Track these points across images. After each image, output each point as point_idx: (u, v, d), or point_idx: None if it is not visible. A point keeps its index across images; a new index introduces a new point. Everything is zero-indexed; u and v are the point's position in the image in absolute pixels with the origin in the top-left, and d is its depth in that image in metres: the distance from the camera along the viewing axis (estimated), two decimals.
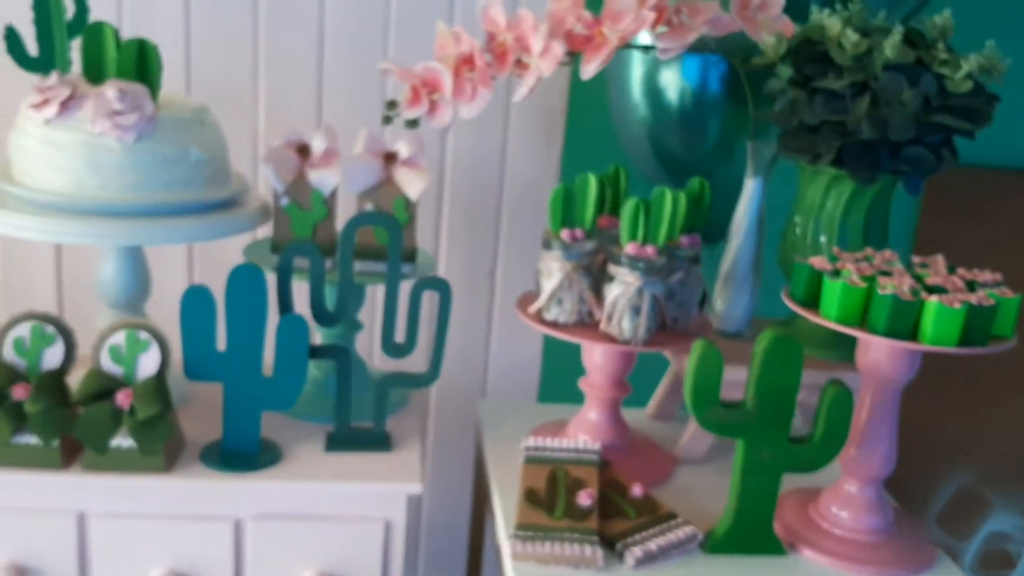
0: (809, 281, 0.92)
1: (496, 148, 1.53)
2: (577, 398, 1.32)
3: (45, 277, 1.45)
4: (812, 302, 0.92)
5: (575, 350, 1.39)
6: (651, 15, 0.99)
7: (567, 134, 1.55)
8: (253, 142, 1.44)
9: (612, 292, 0.96)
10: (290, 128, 1.06)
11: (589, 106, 1.52)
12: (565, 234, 0.99)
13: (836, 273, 0.90)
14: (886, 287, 0.85)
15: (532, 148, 1.54)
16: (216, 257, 1.48)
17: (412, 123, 1.08)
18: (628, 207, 0.96)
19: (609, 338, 0.98)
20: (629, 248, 0.96)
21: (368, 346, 1.52)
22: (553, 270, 0.99)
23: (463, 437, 1.64)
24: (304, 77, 1.43)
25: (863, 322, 0.88)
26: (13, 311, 1.42)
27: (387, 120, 1.09)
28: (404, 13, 1.43)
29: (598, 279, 1.01)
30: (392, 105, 1.08)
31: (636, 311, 0.96)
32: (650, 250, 0.95)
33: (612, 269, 0.97)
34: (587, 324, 1.00)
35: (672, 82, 1.25)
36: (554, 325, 1.01)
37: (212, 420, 1.02)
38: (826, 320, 0.89)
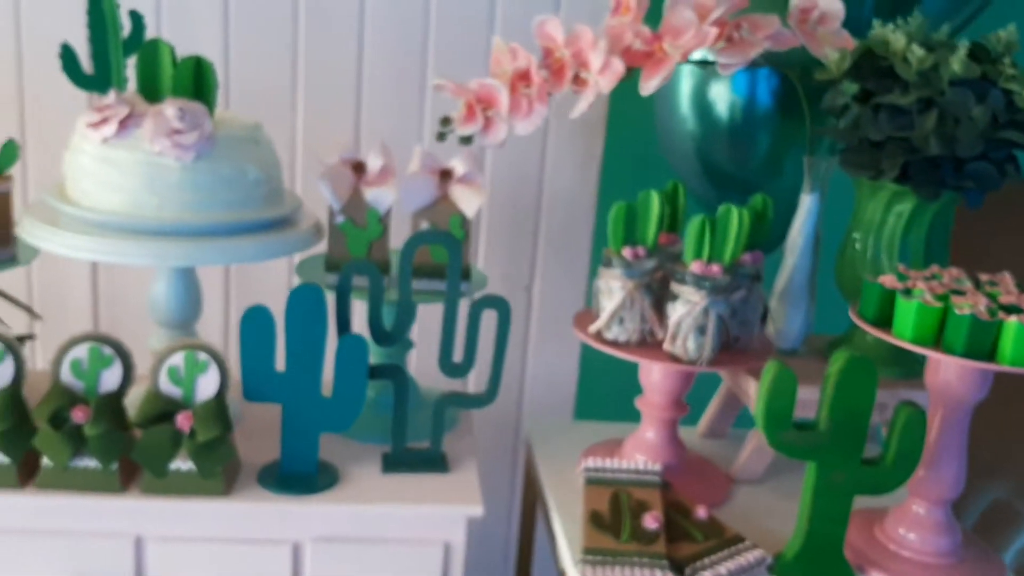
0: (880, 300, 0.91)
1: (535, 162, 1.52)
2: (615, 415, 1.30)
3: (81, 294, 1.43)
4: (883, 321, 0.91)
5: (612, 366, 1.37)
6: (713, 31, 0.98)
7: (606, 148, 1.54)
8: (291, 156, 1.43)
9: (676, 311, 0.95)
10: (344, 144, 1.04)
11: (628, 120, 1.51)
12: (627, 252, 0.97)
13: (908, 292, 0.88)
14: (962, 307, 0.84)
15: (571, 162, 1.53)
16: (254, 275, 1.47)
17: (466, 140, 1.07)
18: (694, 225, 0.94)
19: (673, 358, 0.96)
20: (694, 266, 0.94)
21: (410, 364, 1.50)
22: (614, 289, 0.97)
23: (501, 452, 1.62)
24: (343, 91, 1.42)
25: (938, 342, 0.87)
26: (48, 328, 1.42)
27: (441, 137, 1.08)
28: (443, 27, 1.42)
29: (658, 297, 1.00)
30: (446, 122, 1.07)
31: (701, 331, 0.94)
32: (716, 268, 0.94)
33: (675, 288, 0.96)
34: (647, 343, 0.99)
35: (722, 96, 1.24)
36: (614, 344, 0.99)
37: (264, 439, 1.01)
38: (901, 340, 0.87)
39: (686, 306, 0.94)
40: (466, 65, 1.45)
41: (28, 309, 1.13)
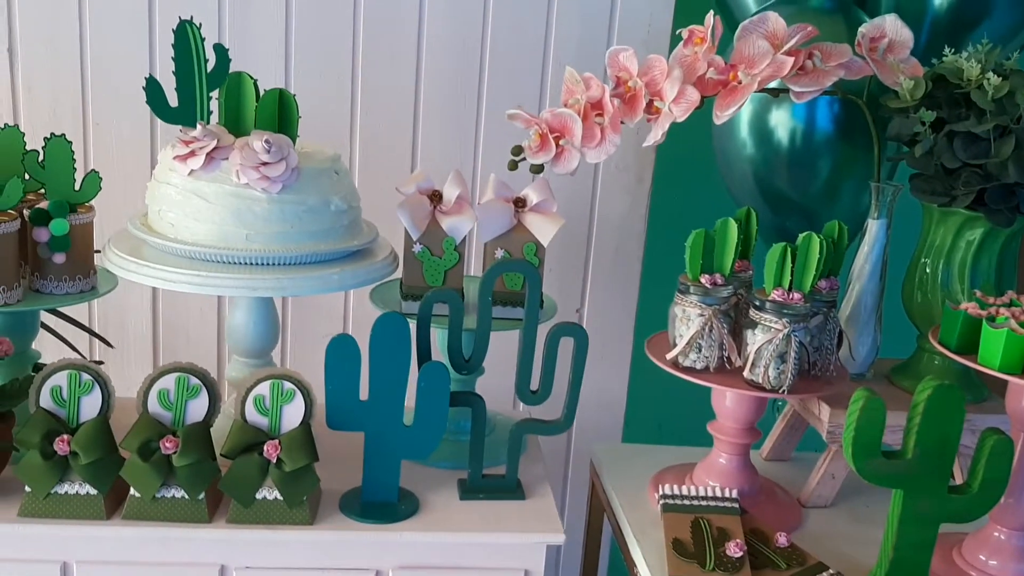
0: (964, 328, 0.91)
1: (586, 186, 1.53)
2: (665, 439, 1.29)
3: (141, 321, 1.44)
4: (966, 348, 0.91)
5: (661, 390, 1.36)
6: (789, 60, 0.99)
7: (656, 172, 1.55)
8: None
9: (756, 339, 0.95)
10: (420, 174, 1.06)
11: (679, 144, 1.52)
12: (705, 279, 0.98)
13: (992, 319, 0.89)
14: None
15: (622, 187, 1.54)
16: (307, 300, 1.48)
17: (538, 168, 1.08)
18: (774, 253, 0.95)
19: (752, 385, 0.97)
20: (775, 294, 0.95)
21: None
22: (692, 316, 0.98)
23: (553, 475, 1.62)
24: (399, 119, 1.43)
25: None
26: (108, 355, 1.43)
27: (513, 166, 1.09)
28: (498, 56, 1.44)
29: (734, 323, 1.00)
30: (518, 151, 1.08)
31: (782, 358, 0.95)
32: (796, 296, 0.94)
33: (755, 315, 0.96)
34: (725, 369, 0.99)
35: (782, 121, 1.25)
36: (691, 371, 1.00)
37: (337, 466, 1.01)
38: (988, 368, 0.87)
39: (767, 334, 0.94)
40: (520, 92, 1.47)
41: (102, 338, 1.14)
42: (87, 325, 1.13)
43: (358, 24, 1.40)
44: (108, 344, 1.17)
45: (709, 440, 1.09)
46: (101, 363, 1.14)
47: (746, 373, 0.97)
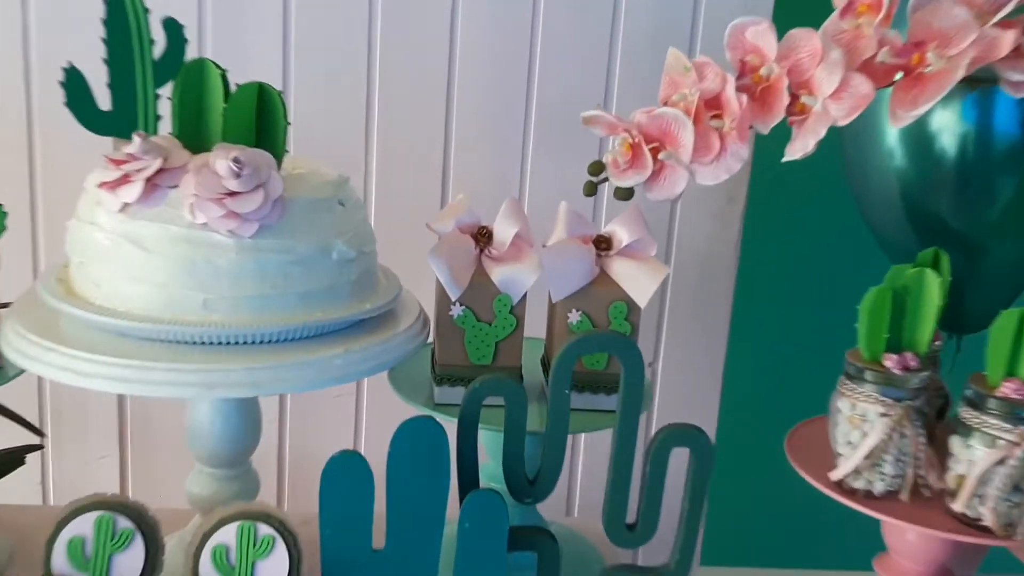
0: None
1: (662, 210, 1.23)
2: (755, 560, 0.96)
3: (104, 408, 1.15)
4: None
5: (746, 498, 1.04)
6: (1007, 36, 0.67)
7: (751, 191, 1.24)
8: None
9: (974, 454, 0.63)
10: (461, 205, 0.75)
11: (781, 154, 1.21)
12: (891, 361, 0.65)
13: None
14: None
15: (706, 209, 1.24)
16: None
17: (626, 193, 0.77)
18: (1007, 323, 0.62)
19: (968, 523, 0.64)
20: (1008, 388, 0.62)
21: None
22: (871, 415, 0.66)
23: None
24: (427, 132, 1.14)
25: None
26: (66, 432, 1.13)
27: (592, 189, 0.77)
28: (551, 52, 1.16)
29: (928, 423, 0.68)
30: (598, 168, 0.77)
31: (1018, 488, 0.62)
32: None
33: (970, 417, 0.63)
34: (919, 494, 0.67)
35: (948, 124, 0.93)
36: (867, 498, 0.67)
37: None
38: None
39: (994, 448, 0.62)
40: (580, 90, 1.17)
41: (29, 425, 0.84)
42: (12, 410, 0.83)
43: (375, 6, 1.10)
44: (37, 432, 0.87)
45: (819, 559, 0.77)
46: (37, 448, 0.85)
47: (958, 506, 0.64)
